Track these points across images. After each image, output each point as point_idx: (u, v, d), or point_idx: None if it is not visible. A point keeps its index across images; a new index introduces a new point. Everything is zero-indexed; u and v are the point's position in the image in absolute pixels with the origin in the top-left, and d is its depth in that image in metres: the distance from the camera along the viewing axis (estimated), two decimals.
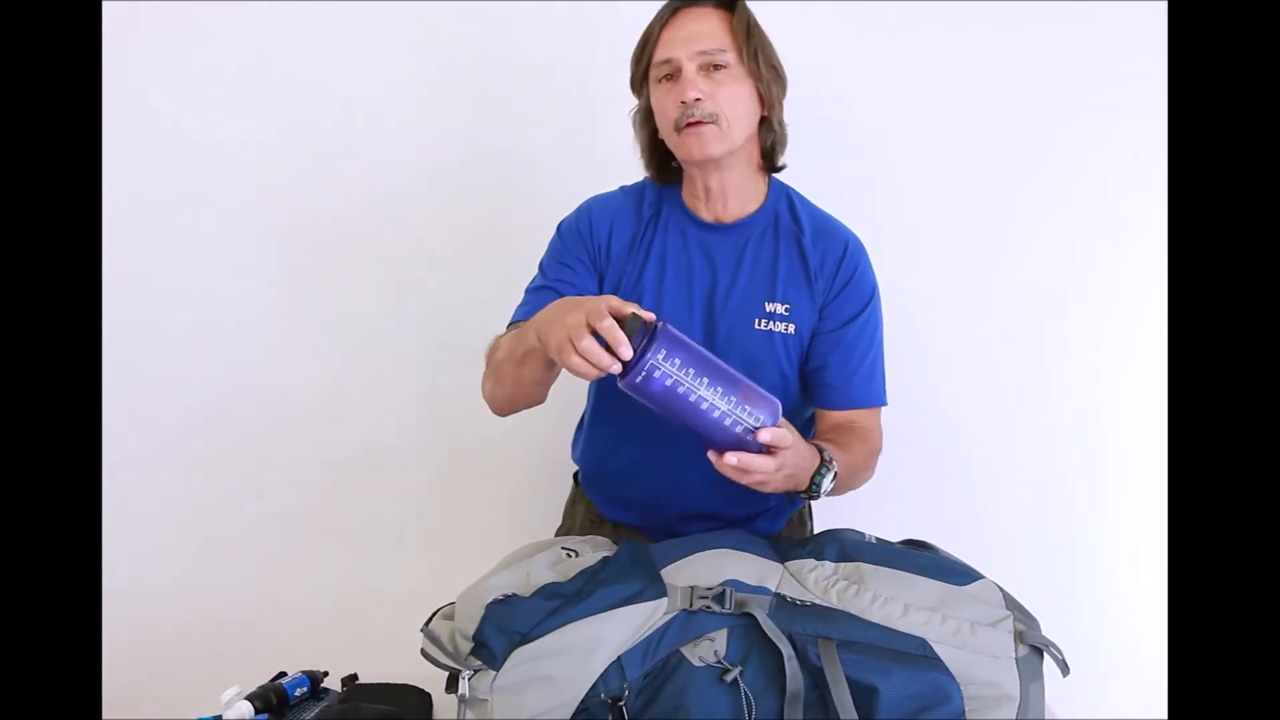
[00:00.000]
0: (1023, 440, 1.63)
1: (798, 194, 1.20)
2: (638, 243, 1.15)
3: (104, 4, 1.33)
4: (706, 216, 1.16)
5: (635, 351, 0.83)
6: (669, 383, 0.84)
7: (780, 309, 1.12)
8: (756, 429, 0.88)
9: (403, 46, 1.55)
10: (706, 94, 1.05)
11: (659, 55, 1.08)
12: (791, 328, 1.13)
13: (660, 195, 1.19)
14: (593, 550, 0.99)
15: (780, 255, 1.14)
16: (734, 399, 0.87)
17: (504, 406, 1.15)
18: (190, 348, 1.62)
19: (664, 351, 0.84)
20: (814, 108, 1.55)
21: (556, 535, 1.38)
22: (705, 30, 1.07)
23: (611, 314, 0.84)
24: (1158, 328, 1.55)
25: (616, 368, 0.84)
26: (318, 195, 1.59)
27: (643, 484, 1.19)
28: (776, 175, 1.20)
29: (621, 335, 0.83)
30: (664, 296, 1.14)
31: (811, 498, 1.01)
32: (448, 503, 1.66)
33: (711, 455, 0.90)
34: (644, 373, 0.84)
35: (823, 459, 1.00)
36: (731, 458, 0.88)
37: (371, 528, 1.67)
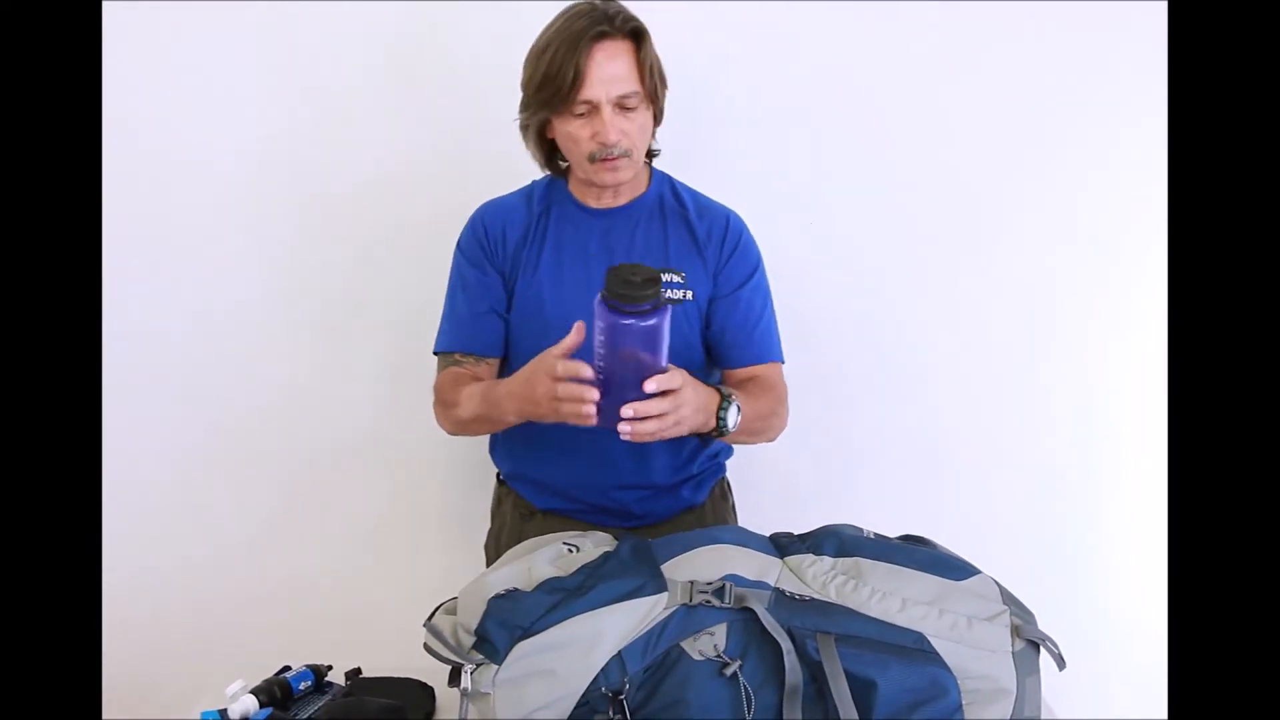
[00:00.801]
0: (1021, 436, 1.64)
1: (677, 180, 1.28)
2: (531, 235, 1.23)
3: (104, 4, 1.33)
4: (596, 206, 1.23)
5: (650, 306, 0.92)
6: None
7: (676, 278, 1.20)
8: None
9: (396, 48, 1.54)
10: (624, 132, 1.13)
11: (582, 95, 1.10)
12: (689, 294, 1.21)
13: (549, 190, 1.26)
14: (594, 546, 1.00)
15: (669, 230, 1.23)
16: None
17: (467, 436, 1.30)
18: (191, 346, 1.63)
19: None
20: (816, 106, 1.56)
21: (487, 538, 1.39)
22: (620, 73, 1.11)
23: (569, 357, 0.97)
24: (1157, 323, 1.55)
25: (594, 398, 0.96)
26: (314, 195, 1.59)
27: (572, 463, 1.23)
28: (656, 166, 1.28)
29: (586, 373, 0.96)
30: (564, 279, 1.21)
31: (721, 434, 1.09)
32: (451, 499, 1.67)
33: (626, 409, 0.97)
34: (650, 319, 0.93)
35: (722, 395, 1.08)
36: (627, 409, 0.96)
37: (374, 524, 1.68)
